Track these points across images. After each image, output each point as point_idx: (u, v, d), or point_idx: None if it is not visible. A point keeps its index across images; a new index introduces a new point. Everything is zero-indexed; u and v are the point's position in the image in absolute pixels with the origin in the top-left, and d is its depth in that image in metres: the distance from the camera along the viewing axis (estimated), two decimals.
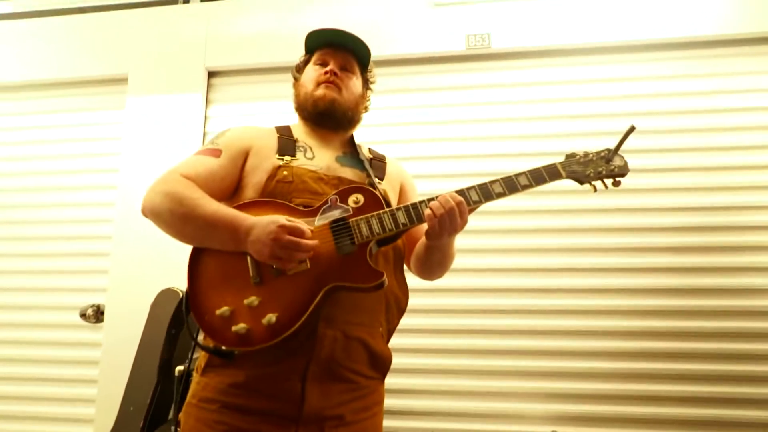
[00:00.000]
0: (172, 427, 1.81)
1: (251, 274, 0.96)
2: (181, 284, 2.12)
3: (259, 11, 2.48)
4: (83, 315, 2.31)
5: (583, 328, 2.06)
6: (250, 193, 1.08)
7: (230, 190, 1.11)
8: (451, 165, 2.26)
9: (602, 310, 2.06)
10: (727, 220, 2.07)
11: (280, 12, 2.46)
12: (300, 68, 1.27)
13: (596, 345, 2.04)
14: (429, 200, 1.03)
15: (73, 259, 2.43)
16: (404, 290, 1.15)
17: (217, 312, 0.93)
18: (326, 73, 1.18)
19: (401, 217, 1.02)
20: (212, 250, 0.99)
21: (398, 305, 1.14)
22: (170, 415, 2.05)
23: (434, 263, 1.18)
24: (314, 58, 1.24)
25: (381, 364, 1.09)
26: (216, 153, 1.11)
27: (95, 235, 2.43)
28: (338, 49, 1.22)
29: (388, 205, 1.06)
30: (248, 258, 0.97)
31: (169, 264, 2.19)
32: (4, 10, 2.72)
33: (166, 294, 2.10)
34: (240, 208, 1.02)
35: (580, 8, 2.26)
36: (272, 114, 2.39)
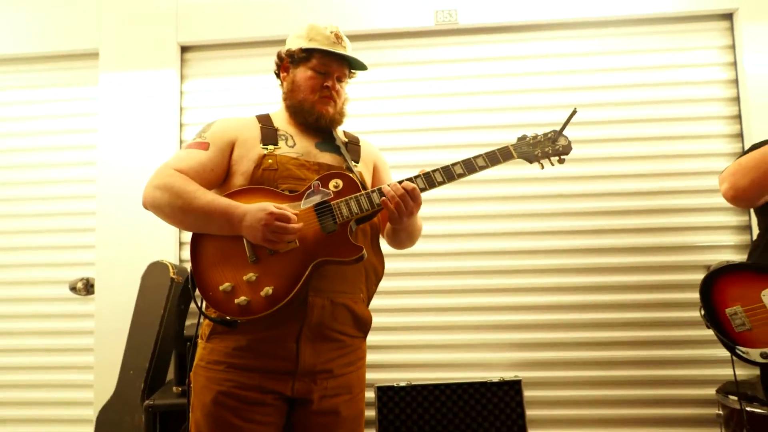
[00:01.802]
0: (176, 388, 1.99)
1: (248, 254, 1.10)
2: (166, 256, 2.26)
3: None
4: (73, 288, 2.40)
5: (541, 285, 2.28)
6: (239, 180, 1.19)
7: (220, 179, 1.22)
8: (421, 138, 2.39)
9: (558, 269, 2.28)
10: (674, 185, 2.29)
11: None
12: (295, 61, 1.27)
13: (552, 299, 2.27)
14: (399, 182, 1.17)
15: (59, 235, 2.50)
16: (381, 260, 1.32)
17: (221, 288, 1.08)
18: (328, 88, 1.25)
19: (376, 198, 1.16)
20: (211, 235, 1.13)
21: (376, 273, 1.30)
22: (167, 378, 2.23)
23: (402, 239, 1.35)
24: (315, 63, 1.25)
25: (363, 325, 1.26)
26: (204, 146, 1.21)
27: (79, 211, 2.49)
28: (341, 60, 1.27)
29: (365, 187, 1.20)
30: (244, 240, 1.10)
31: (152, 236, 2.31)
32: None
33: (155, 266, 2.23)
34: (232, 195, 1.14)
35: None
36: (247, 89, 2.45)
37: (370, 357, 2.26)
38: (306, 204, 1.14)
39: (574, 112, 1.27)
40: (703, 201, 2.25)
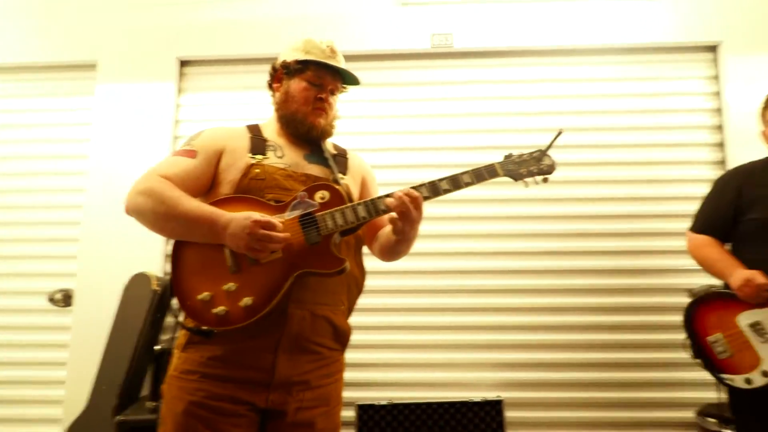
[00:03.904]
0: (149, 403, 1.94)
1: (228, 264, 1.09)
2: (150, 269, 2.23)
3: (231, 1, 2.52)
4: (51, 299, 2.35)
5: (523, 305, 2.29)
6: (225, 189, 1.18)
7: (206, 187, 1.22)
8: (416, 156, 2.42)
9: (541, 289, 2.29)
10: (658, 209, 2.33)
11: (252, 3, 2.51)
12: (290, 72, 1.28)
13: (534, 320, 2.27)
14: (386, 196, 1.18)
15: (40, 245, 2.46)
16: (362, 272, 1.31)
17: (198, 297, 1.07)
18: (322, 99, 1.26)
19: (361, 212, 1.16)
20: (192, 243, 1.11)
21: (358, 286, 1.30)
22: (142, 393, 2.17)
23: (401, 251, 1.33)
24: (310, 75, 1.26)
25: (342, 338, 1.25)
26: (192, 154, 1.21)
27: (64, 221, 2.46)
28: (335, 73, 1.29)
29: (350, 199, 1.20)
30: (226, 250, 1.09)
31: (137, 248, 2.28)
32: None
33: (138, 278, 2.19)
34: (217, 203, 1.13)
35: (533, 13, 2.43)
36: (242, 105, 2.48)
37: (351, 375, 2.23)
38: (291, 214, 1.14)
39: (559, 133, 1.29)
40: (686, 225, 2.27)
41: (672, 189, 2.32)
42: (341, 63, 1.30)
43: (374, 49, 2.46)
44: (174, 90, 2.49)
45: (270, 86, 1.35)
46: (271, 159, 1.23)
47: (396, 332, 2.30)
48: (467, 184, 1.23)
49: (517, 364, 2.25)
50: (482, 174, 1.24)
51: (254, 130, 1.29)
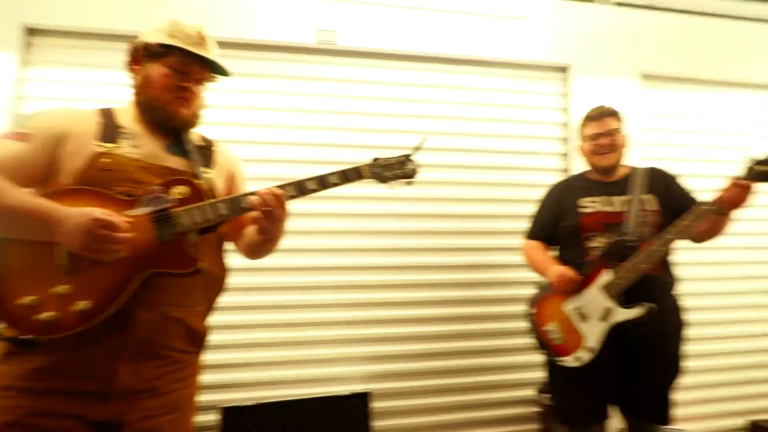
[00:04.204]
0: None
1: (61, 264, 0.98)
2: None
3: None
4: None
5: (386, 300, 2.40)
6: (65, 179, 1.07)
7: (40, 176, 1.08)
8: (291, 152, 2.38)
9: (400, 284, 2.42)
10: (508, 210, 2.55)
11: None
12: (151, 55, 1.18)
13: (396, 314, 2.40)
14: (249, 194, 1.16)
15: None
16: (224, 271, 1.27)
17: (18, 301, 0.95)
18: (185, 89, 1.18)
19: (222, 209, 1.13)
20: (15, 240, 0.99)
21: (218, 285, 1.25)
22: None
23: (267, 249, 1.32)
24: (174, 61, 1.18)
25: (198, 339, 1.20)
26: (25, 137, 1.07)
27: None
28: (202, 63, 1.20)
29: (214, 195, 1.16)
30: (58, 247, 0.99)
31: None
32: None
33: None
34: (53, 196, 1.02)
35: (414, 20, 2.53)
36: (100, 85, 2.23)
37: (215, 377, 2.17)
38: (142, 210, 1.07)
39: (424, 140, 1.38)
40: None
41: (522, 192, 2.58)
42: (210, 51, 1.23)
43: (257, 38, 2.37)
44: (16, 61, 2.16)
45: (129, 68, 1.22)
46: (124, 148, 1.13)
47: (262, 330, 2.27)
48: (334, 185, 1.26)
49: (383, 356, 2.37)
50: (349, 175, 1.28)
51: (107, 115, 1.17)
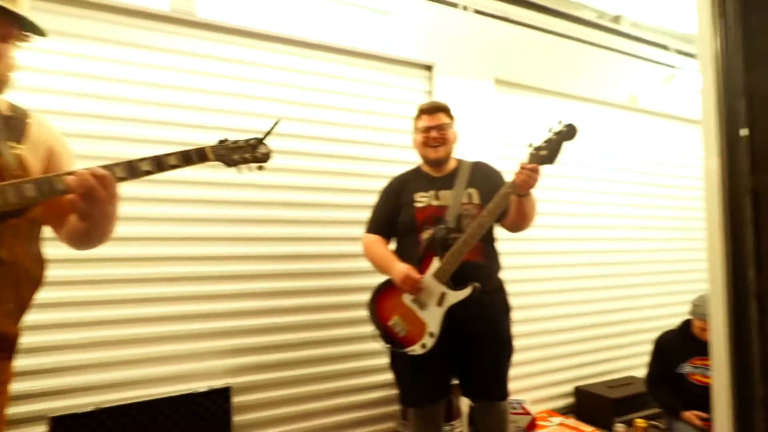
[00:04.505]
0: None
1: None
2: None
3: None
4: None
5: (237, 291, 2.30)
6: None
7: None
8: (130, 128, 2.14)
9: (249, 275, 2.34)
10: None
11: None
12: None
13: (250, 305, 2.32)
14: (66, 174, 1.01)
15: None
16: (39, 263, 1.10)
17: None
18: None
19: (29, 191, 0.97)
20: None
21: (31, 280, 1.08)
22: None
23: (93, 237, 1.15)
24: None
25: (5, 343, 1.03)
26: None
27: None
28: (8, 17, 1.02)
29: (20, 175, 0.99)
30: None
31: None
32: None
33: None
34: None
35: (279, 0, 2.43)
36: None
37: (43, 383, 1.90)
38: None
39: (277, 122, 1.33)
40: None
41: (380, 184, 2.65)
42: (20, 5, 1.05)
43: None
44: None
45: None
46: None
47: (99, 328, 2.03)
48: (173, 167, 1.15)
49: (245, 348, 2.29)
50: (191, 157, 1.18)
51: None
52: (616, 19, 3.53)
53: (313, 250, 2.49)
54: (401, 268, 1.83)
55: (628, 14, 3.52)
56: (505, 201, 1.77)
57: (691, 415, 2.35)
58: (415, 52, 2.77)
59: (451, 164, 2.02)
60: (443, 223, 1.85)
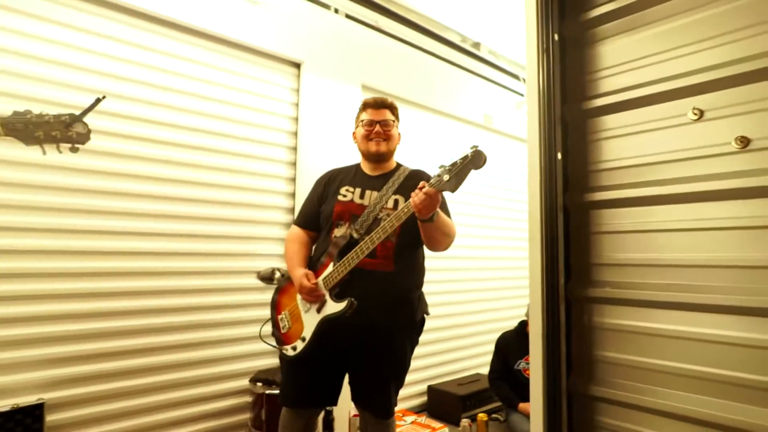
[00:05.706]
0: None
1: None
2: None
3: None
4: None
5: (69, 291, 2.03)
6: None
7: None
8: None
9: (89, 273, 2.08)
10: (234, 197, 2.51)
11: None
12: None
13: (81, 307, 2.05)
14: None
15: None
16: None
17: None
18: None
19: None
20: None
21: None
22: None
23: None
24: None
25: None
26: None
27: None
28: None
29: None
30: None
31: None
32: None
33: None
34: None
35: None
36: None
37: None
38: None
39: (99, 99, 1.15)
40: (256, 215, 2.57)
41: (246, 180, 2.54)
42: None
43: None
44: None
45: None
46: None
47: None
48: None
49: (64, 358, 1.98)
50: None
51: None
52: (477, 45, 3.84)
53: (146, 247, 2.23)
54: (298, 274, 1.73)
55: (486, 42, 3.85)
56: (399, 221, 1.61)
57: (525, 406, 2.61)
58: (283, 47, 2.68)
59: (390, 166, 1.91)
60: (354, 224, 1.73)
